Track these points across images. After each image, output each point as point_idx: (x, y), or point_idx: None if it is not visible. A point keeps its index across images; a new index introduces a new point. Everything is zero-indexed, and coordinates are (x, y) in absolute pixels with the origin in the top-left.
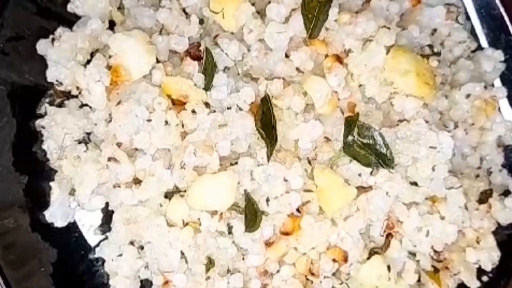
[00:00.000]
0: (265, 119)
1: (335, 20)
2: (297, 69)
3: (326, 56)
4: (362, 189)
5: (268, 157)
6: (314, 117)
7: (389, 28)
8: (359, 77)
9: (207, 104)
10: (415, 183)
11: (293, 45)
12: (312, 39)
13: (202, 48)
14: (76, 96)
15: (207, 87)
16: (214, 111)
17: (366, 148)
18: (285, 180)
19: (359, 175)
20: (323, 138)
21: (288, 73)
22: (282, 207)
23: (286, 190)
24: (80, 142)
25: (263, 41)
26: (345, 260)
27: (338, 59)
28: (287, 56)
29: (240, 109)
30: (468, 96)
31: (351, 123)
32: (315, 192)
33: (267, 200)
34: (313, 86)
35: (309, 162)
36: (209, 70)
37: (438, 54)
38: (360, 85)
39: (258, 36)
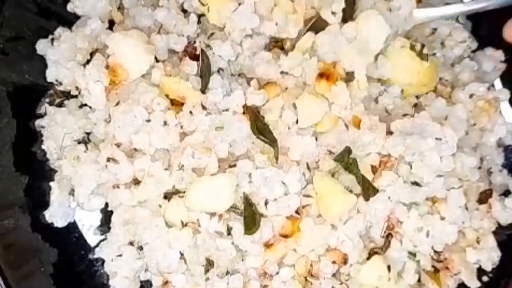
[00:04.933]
0: (260, 124)
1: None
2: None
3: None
4: None
5: (277, 159)
6: (312, 133)
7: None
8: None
9: (204, 106)
10: (415, 183)
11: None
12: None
13: (197, 45)
14: (76, 96)
15: (204, 89)
16: (210, 114)
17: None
18: (283, 183)
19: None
20: (326, 151)
21: (274, 76)
22: (281, 210)
23: (285, 193)
24: (79, 142)
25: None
26: (345, 262)
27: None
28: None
29: (235, 112)
30: (471, 96)
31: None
32: (315, 198)
33: (266, 202)
34: (306, 105)
35: (308, 167)
36: (205, 72)
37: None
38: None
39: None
